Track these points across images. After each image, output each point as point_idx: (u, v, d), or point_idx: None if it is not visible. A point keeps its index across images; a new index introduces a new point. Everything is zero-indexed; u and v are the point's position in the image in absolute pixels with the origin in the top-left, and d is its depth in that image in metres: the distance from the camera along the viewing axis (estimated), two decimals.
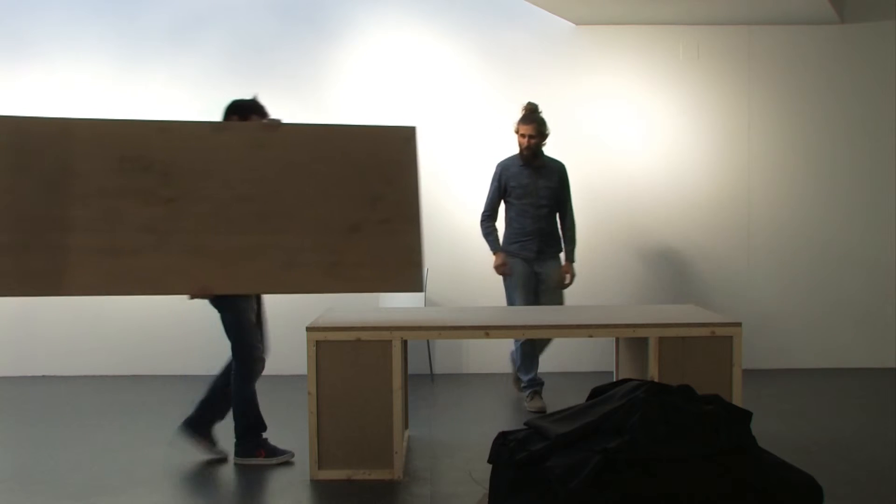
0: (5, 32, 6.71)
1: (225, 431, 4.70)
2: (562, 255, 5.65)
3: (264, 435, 4.40)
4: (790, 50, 6.74)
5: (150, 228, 3.95)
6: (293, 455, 4.35)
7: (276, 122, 4.26)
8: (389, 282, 4.22)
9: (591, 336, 4.27)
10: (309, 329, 4.06)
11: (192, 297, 4.20)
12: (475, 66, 6.72)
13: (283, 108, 6.43)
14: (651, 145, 6.73)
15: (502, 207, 5.69)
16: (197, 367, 6.65)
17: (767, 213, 6.77)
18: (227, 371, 4.47)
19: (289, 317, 6.47)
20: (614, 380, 4.65)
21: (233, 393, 4.35)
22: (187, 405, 5.65)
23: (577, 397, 3.26)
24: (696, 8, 6.30)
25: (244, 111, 4.35)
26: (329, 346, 4.02)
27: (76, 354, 6.66)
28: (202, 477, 4.15)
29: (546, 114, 6.57)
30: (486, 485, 3.06)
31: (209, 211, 4.00)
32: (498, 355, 6.59)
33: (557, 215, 5.65)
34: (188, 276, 3.99)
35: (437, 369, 6.64)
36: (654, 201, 6.72)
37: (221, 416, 4.50)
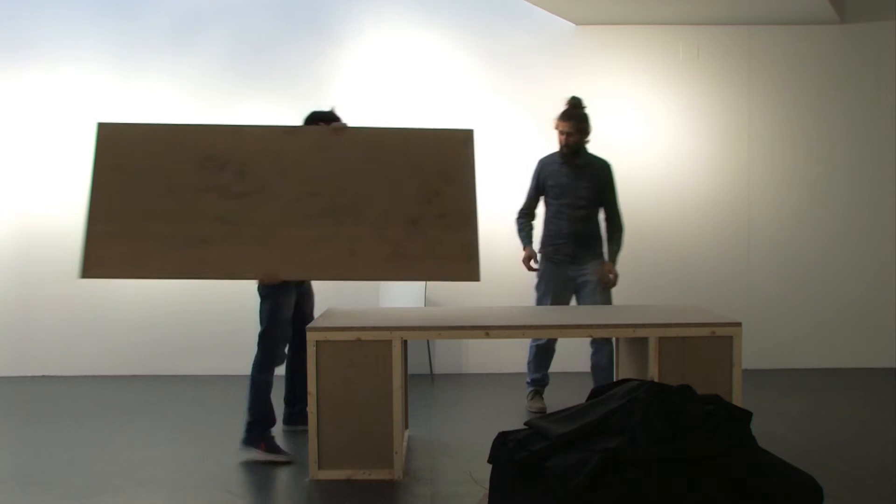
0: (6, 32, 6.71)
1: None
2: (602, 257, 5.37)
3: (272, 432, 4.48)
4: (790, 50, 6.74)
5: (224, 220, 4.31)
6: (293, 458, 4.34)
7: (342, 126, 4.58)
8: (446, 271, 4.43)
9: (591, 336, 4.27)
10: (309, 329, 4.06)
11: (261, 282, 4.50)
12: (475, 67, 6.72)
13: (284, 108, 6.48)
14: (651, 145, 6.74)
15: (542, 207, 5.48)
16: (197, 367, 6.67)
17: (767, 213, 6.77)
18: (293, 360, 4.80)
19: None
20: (614, 380, 4.66)
21: (249, 381, 4.49)
22: (186, 405, 5.68)
23: (577, 397, 3.27)
24: (696, 8, 6.30)
25: (317, 120, 4.72)
26: (329, 346, 4.02)
27: (76, 354, 6.67)
28: (202, 477, 4.15)
29: (546, 114, 6.58)
30: (486, 485, 3.06)
31: (279, 205, 4.35)
32: (498, 355, 6.60)
33: (603, 217, 5.41)
34: (257, 262, 4.33)
35: (437, 369, 6.64)
36: (654, 201, 6.72)
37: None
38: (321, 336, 4.02)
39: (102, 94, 6.69)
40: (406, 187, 4.40)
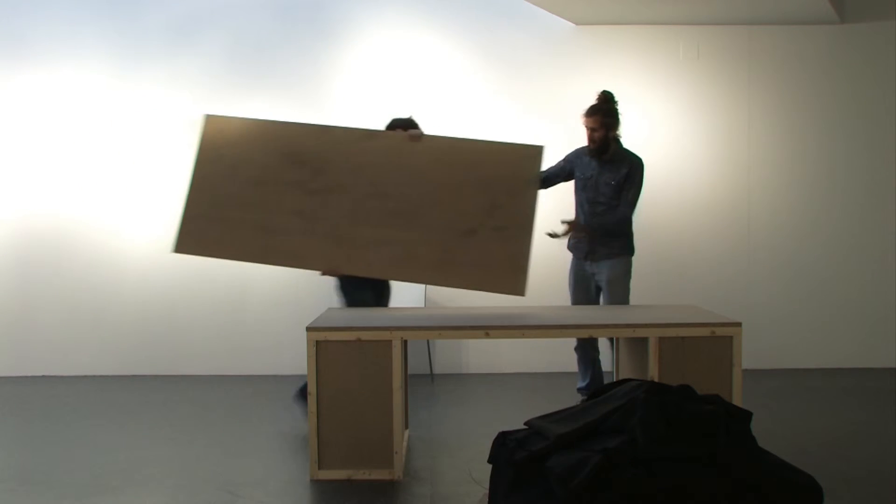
0: (6, 32, 6.71)
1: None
2: (621, 256, 5.20)
3: None
4: (790, 50, 6.74)
5: (300, 214, 4.64)
6: None
7: (419, 134, 4.81)
8: (495, 283, 4.57)
9: (591, 336, 4.26)
10: (309, 329, 4.06)
11: (323, 273, 4.81)
12: (475, 67, 6.72)
13: (284, 108, 6.48)
14: (651, 145, 6.71)
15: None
16: (197, 367, 6.67)
17: (767, 213, 6.77)
18: None
19: (289, 317, 6.49)
20: (614, 380, 4.66)
21: None
22: (186, 405, 5.68)
23: (577, 397, 3.28)
24: (696, 8, 6.30)
25: (396, 127, 4.95)
26: (329, 346, 4.02)
27: (76, 354, 6.67)
28: (202, 477, 4.15)
29: (545, 114, 6.60)
30: (486, 485, 3.06)
31: (349, 204, 4.64)
32: (498, 355, 6.59)
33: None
34: (324, 256, 4.63)
35: (437, 369, 6.64)
36: (653, 201, 6.71)
37: None
38: (321, 336, 4.02)
39: (102, 94, 6.69)
40: (469, 197, 4.59)
